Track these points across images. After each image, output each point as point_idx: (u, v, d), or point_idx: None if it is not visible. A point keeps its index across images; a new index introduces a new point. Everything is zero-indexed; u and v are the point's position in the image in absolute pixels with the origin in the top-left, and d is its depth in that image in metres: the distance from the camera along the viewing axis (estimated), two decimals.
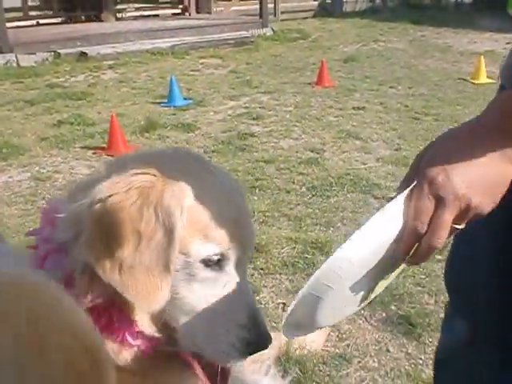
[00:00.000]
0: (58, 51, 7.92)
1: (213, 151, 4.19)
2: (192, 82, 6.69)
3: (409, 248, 0.76)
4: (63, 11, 10.71)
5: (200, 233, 0.92)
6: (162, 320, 0.94)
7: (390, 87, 6.13)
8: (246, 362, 1.20)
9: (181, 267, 0.91)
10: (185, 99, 5.70)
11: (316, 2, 13.94)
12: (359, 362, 1.98)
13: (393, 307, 2.25)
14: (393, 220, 0.75)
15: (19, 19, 10.07)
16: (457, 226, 0.76)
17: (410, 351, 2.02)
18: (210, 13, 12.04)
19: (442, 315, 2.10)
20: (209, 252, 0.91)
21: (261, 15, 10.36)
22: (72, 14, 10.60)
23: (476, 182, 0.74)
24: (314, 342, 2.08)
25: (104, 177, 0.94)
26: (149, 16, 11.43)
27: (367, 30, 10.97)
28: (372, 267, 0.75)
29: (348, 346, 2.06)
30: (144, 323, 0.94)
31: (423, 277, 2.45)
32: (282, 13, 12.93)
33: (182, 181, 0.93)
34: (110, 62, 7.80)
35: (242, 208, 1.01)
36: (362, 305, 0.83)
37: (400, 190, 0.79)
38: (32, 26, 9.97)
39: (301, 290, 0.76)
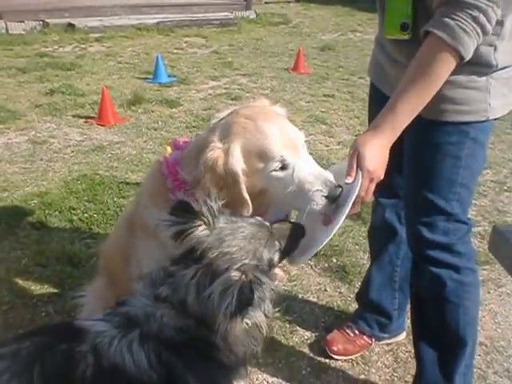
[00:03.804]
0: (47, 21, 8.17)
1: (194, 127, 4.66)
2: (176, 60, 7.08)
3: (357, 203, 1.46)
4: None
5: (258, 158, 1.47)
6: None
7: (360, 77, 6.64)
8: None
9: (264, 179, 1.48)
10: (169, 76, 6.12)
11: None
12: (302, 297, 2.54)
13: (333, 259, 2.82)
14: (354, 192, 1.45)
15: None
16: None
17: (342, 291, 2.59)
18: None
19: None
20: (271, 167, 1.46)
21: None
22: None
23: (383, 166, 1.47)
24: None
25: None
26: None
27: (346, 19, 11.43)
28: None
29: (295, 285, 2.61)
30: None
31: (361, 238, 3.00)
32: None
33: (232, 139, 1.48)
34: (97, 35, 8.11)
35: (275, 126, 1.53)
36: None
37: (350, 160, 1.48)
38: None
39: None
